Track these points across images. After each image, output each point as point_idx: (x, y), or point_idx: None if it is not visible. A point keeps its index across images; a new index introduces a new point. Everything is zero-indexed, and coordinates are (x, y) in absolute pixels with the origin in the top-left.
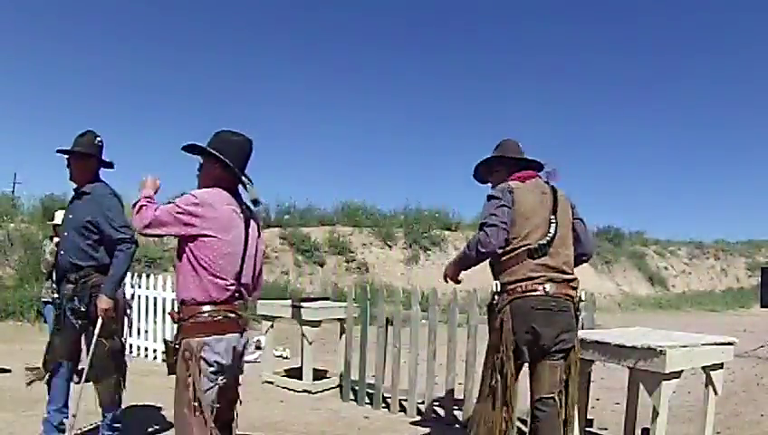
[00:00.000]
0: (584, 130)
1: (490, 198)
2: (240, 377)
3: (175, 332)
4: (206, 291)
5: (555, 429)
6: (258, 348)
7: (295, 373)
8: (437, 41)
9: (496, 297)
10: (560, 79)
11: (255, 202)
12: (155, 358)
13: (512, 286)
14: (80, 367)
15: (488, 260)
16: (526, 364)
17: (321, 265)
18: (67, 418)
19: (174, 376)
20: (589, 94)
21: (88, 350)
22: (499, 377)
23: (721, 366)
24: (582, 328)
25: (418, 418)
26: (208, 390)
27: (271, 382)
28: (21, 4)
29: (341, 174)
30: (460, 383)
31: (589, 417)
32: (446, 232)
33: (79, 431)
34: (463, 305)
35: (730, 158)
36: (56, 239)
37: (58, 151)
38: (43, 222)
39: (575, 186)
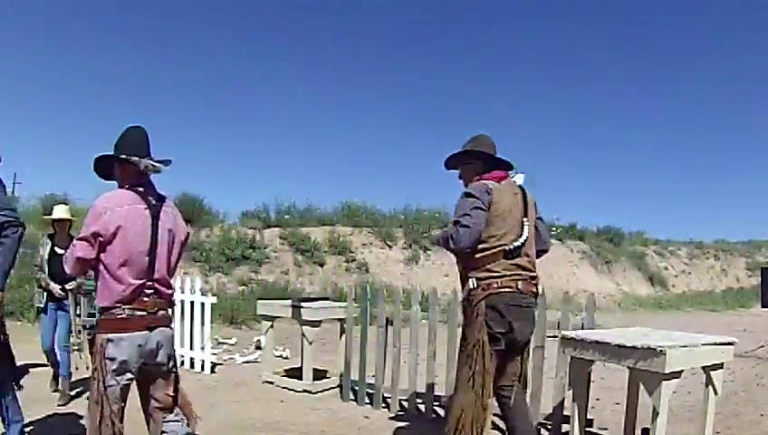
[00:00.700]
0: (584, 130)
1: (468, 195)
2: (172, 369)
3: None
4: (113, 291)
5: (525, 405)
6: (258, 348)
7: (295, 373)
8: (438, 41)
9: (472, 292)
10: (559, 79)
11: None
12: None
13: (486, 282)
14: None
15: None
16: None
17: (321, 265)
18: None
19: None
20: (589, 94)
21: None
22: (477, 367)
23: (721, 366)
24: (582, 328)
25: (419, 418)
26: (111, 387)
27: (271, 382)
28: (21, 4)
29: (341, 174)
30: None
31: (589, 417)
32: None
33: None
34: None
35: (730, 158)
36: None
37: None
38: (42, 221)
39: (575, 186)
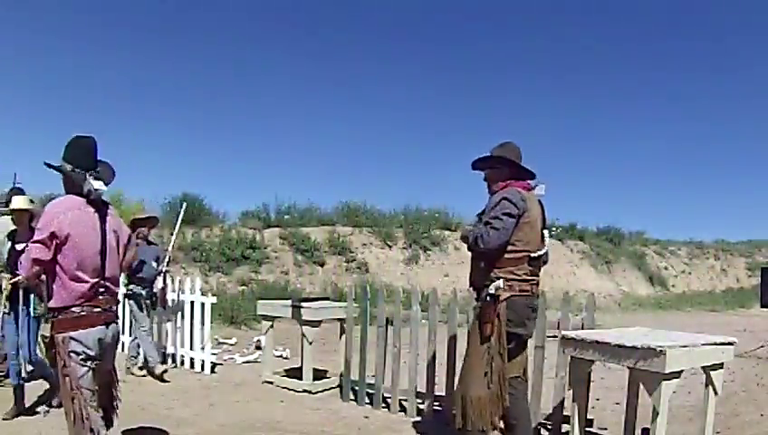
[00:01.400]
0: (584, 129)
1: (505, 200)
2: (114, 364)
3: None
4: (72, 290)
5: (525, 403)
6: (258, 348)
7: (295, 373)
8: (438, 41)
9: (497, 290)
10: (559, 79)
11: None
12: None
13: (509, 283)
14: None
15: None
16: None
17: (321, 265)
18: None
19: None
20: (588, 94)
21: None
22: (495, 362)
23: (721, 366)
24: (582, 328)
25: (418, 418)
26: (82, 375)
27: (271, 382)
28: (21, 4)
29: (341, 174)
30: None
31: (589, 417)
32: (446, 232)
33: None
34: (463, 305)
35: (730, 157)
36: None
37: None
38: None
39: (576, 186)
